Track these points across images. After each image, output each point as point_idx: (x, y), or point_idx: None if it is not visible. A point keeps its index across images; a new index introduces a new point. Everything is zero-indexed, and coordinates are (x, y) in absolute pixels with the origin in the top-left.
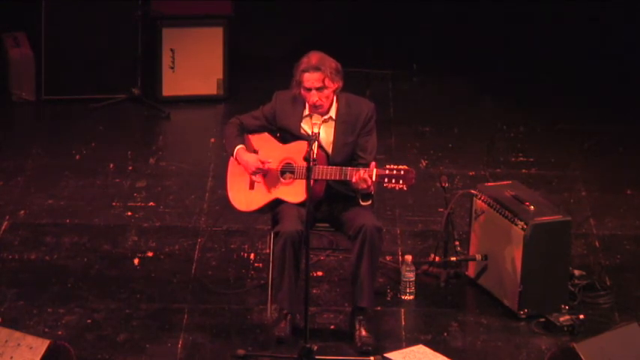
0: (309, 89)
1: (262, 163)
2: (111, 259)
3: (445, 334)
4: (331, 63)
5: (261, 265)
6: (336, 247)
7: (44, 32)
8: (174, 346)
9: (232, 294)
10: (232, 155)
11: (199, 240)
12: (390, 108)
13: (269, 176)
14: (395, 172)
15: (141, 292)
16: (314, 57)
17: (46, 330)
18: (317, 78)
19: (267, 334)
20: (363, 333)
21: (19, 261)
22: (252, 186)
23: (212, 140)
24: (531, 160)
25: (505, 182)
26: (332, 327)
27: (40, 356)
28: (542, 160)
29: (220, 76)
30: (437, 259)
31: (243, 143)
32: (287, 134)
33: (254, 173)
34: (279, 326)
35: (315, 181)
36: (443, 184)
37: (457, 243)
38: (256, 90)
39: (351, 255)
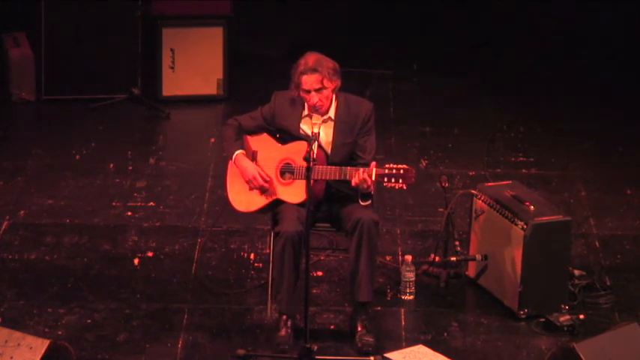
0: (309, 91)
1: (261, 176)
2: (111, 259)
3: (445, 334)
4: (328, 63)
5: (261, 265)
6: (336, 247)
7: (44, 32)
8: (174, 346)
9: (232, 294)
10: (231, 159)
11: (199, 240)
12: (390, 108)
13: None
14: (394, 171)
15: (141, 292)
16: (311, 58)
17: (46, 330)
18: (315, 80)
19: (267, 334)
20: (363, 333)
21: (19, 261)
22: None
23: (212, 140)
24: (531, 160)
25: (505, 182)
26: (332, 327)
27: (40, 356)
28: (542, 160)
29: (220, 76)
30: (437, 259)
31: (242, 147)
32: (286, 135)
33: (249, 182)
34: (280, 335)
35: (315, 181)
36: (443, 184)
37: (457, 243)
38: (256, 90)
39: (349, 250)
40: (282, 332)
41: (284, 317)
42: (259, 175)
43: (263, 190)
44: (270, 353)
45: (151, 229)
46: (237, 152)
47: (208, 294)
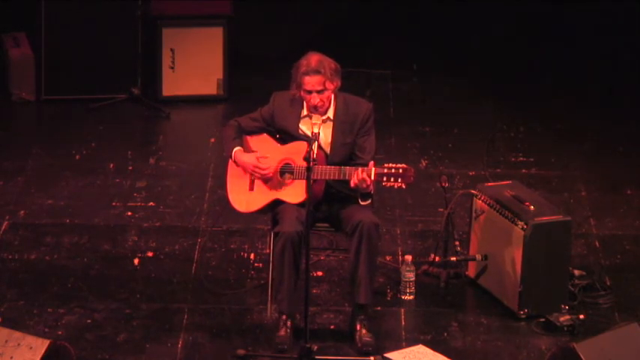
0: (310, 92)
1: (259, 160)
2: (111, 259)
3: (445, 334)
4: (330, 64)
5: (261, 265)
6: (336, 247)
7: (44, 32)
8: (174, 346)
9: (232, 294)
10: (230, 157)
11: (199, 240)
12: (390, 108)
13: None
14: (393, 170)
15: (141, 292)
16: (313, 59)
17: (46, 330)
18: (317, 81)
19: (267, 334)
20: (363, 333)
21: (19, 261)
22: (251, 187)
23: (212, 140)
24: (531, 160)
25: (505, 182)
26: (332, 327)
27: (40, 356)
28: (542, 160)
29: (220, 76)
30: (437, 259)
31: (240, 145)
32: (286, 135)
33: (252, 173)
34: (279, 335)
35: (315, 181)
36: (443, 184)
37: (457, 243)
38: (256, 90)
39: (349, 252)
40: (282, 332)
41: (283, 317)
42: (259, 161)
43: (266, 180)
44: (270, 353)
45: (151, 229)
46: (235, 149)
47: (208, 294)
